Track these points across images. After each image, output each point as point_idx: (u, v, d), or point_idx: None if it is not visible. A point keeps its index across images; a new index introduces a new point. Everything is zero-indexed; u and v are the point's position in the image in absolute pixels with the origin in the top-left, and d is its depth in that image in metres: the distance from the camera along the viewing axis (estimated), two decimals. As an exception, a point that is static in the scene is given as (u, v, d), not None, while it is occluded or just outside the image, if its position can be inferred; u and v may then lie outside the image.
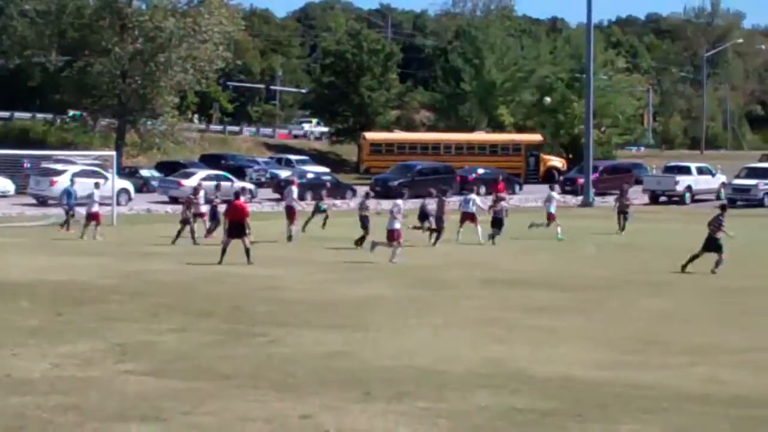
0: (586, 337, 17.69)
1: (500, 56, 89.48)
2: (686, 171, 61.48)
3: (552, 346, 16.81)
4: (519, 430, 11.57)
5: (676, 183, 59.31)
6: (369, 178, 62.69)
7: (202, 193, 35.57)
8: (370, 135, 76.20)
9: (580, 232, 37.87)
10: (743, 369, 15.37)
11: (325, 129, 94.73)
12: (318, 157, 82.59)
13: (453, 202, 40.27)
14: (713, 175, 61.96)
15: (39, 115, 78.58)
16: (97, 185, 37.00)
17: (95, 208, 35.02)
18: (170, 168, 60.13)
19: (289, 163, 71.61)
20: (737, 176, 58.93)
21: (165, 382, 13.60)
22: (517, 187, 63.65)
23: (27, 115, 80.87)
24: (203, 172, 54.80)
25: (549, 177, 73.30)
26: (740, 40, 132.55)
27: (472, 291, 23.53)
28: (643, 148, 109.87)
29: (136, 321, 18.48)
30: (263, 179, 64.32)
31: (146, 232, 37.76)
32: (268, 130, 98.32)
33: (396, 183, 58.21)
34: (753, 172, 58.83)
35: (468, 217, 35.00)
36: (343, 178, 65.48)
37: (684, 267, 27.24)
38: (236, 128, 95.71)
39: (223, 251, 27.60)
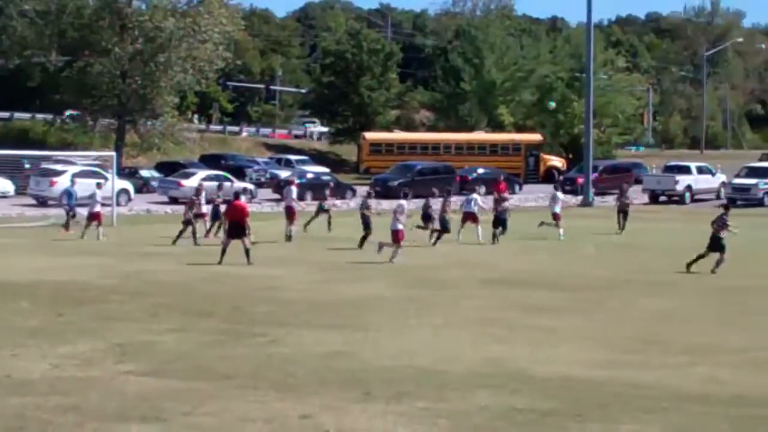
0: (586, 337, 17.70)
1: (500, 56, 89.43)
2: (686, 170, 61.42)
3: (552, 346, 16.82)
4: (519, 430, 11.58)
5: (676, 182, 59.25)
6: (369, 178, 62.59)
7: (203, 194, 35.60)
8: (369, 135, 76.16)
9: (580, 231, 37.86)
10: (743, 369, 15.38)
11: (325, 129, 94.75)
12: (318, 157, 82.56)
13: (453, 202, 40.20)
14: (713, 174, 61.91)
15: (39, 116, 78.56)
16: (99, 185, 37.03)
17: (97, 209, 35.06)
18: (170, 168, 60.10)
19: (288, 164, 71.58)
20: (737, 176, 58.87)
21: (165, 382, 13.61)
22: (516, 187, 63.62)
23: (27, 115, 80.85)
24: (203, 173, 54.79)
25: (549, 177, 73.33)
26: (740, 40, 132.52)
27: (472, 291, 23.54)
28: (642, 148, 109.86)
29: (136, 321, 18.48)
30: (263, 179, 64.29)
31: (146, 232, 37.75)
32: (267, 130, 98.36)
33: (396, 183, 58.12)
34: (753, 172, 58.77)
35: (469, 217, 34.99)
36: (342, 178, 65.42)
37: (689, 266, 27.23)
38: (236, 128, 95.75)
39: (223, 251, 27.60)
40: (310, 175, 58.78)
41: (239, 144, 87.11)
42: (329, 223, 37.85)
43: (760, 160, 72.84)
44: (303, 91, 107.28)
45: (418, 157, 68.70)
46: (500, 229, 35.02)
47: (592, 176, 59.16)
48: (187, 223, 33.59)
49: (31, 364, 14.68)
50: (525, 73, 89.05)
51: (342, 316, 19.52)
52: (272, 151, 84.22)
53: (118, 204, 43.96)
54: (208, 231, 34.72)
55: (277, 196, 52.31)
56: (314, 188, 53.92)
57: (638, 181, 62.00)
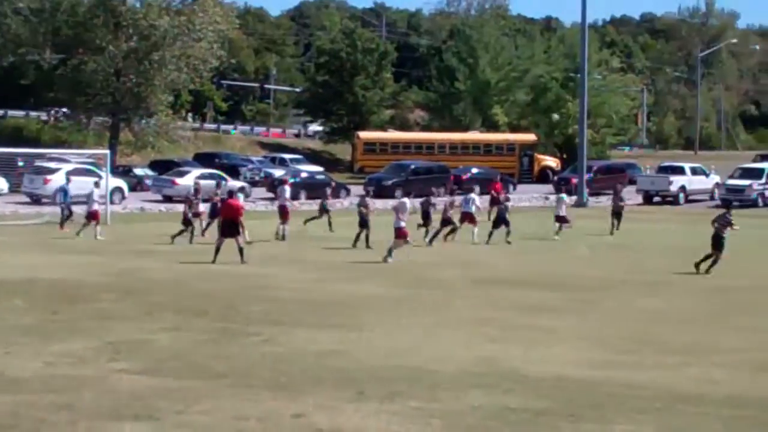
0: (580, 337, 17.70)
1: (494, 56, 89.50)
2: (680, 171, 61.53)
3: (546, 345, 16.82)
4: (512, 430, 11.57)
5: (670, 183, 59.32)
6: (363, 178, 62.59)
7: (200, 193, 35.73)
8: (364, 134, 76.18)
9: (575, 232, 37.86)
10: (737, 369, 15.38)
11: (321, 128, 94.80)
12: (312, 157, 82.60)
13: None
14: (707, 175, 62.00)
15: (33, 114, 78.45)
16: (97, 184, 37.05)
17: (95, 207, 35.05)
18: (164, 166, 60.09)
19: (283, 162, 71.59)
20: (731, 177, 58.97)
21: (158, 380, 13.60)
22: (511, 187, 63.65)
23: (21, 113, 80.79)
24: (197, 171, 54.81)
25: (543, 177, 73.45)
26: (734, 40, 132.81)
27: (466, 291, 23.53)
28: (631, 148, 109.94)
29: (129, 320, 18.46)
30: (257, 178, 64.28)
31: (140, 230, 37.74)
32: (262, 128, 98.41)
33: (390, 182, 58.17)
34: (746, 173, 58.91)
35: (467, 217, 35.01)
36: (336, 177, 65.41)
37: (698, 265, 27.25)
38: (230, 126, 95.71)
39: (217, 250, 27.59)
40: (304, 175, 58.77)
41: (233, 143, 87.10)
42: (330, 223, 37.86)
43: (754, 161, 72.94)
44: (297, 90, 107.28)
45: (413, 157, 68.75)
46: (505, 229, 34.99)
47: (586, 176, 59.18)
48: (187, 223, 33.63)
49: (24, 362, 14.65)
50: (519, 73, 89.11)
51: (336, 315, 19.51)
52: (266, 150, 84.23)
53: (112, 202, 43.90)
54: (205, 228, 34.73)
55: (271, 195, 52.31)
56: (308, 188, 53.91)
57: (632, 182, 62.12)
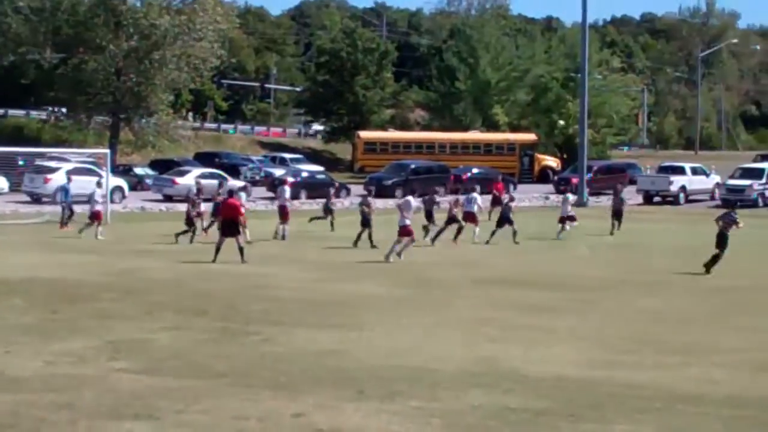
0: (580, 337, 17.70)
1: (495, 55, 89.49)
2: (680, 171, 61.53)
3: (546, 345, 16.81)
4: (512, 430, 11.57)
5: (671, 183, 59.31)
6: (363, 177, 62.58)
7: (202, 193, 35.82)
8: (364, 134, 76.18)
9: (575, 232, 37.86)
10: (737, 369, 15.38)
11: (321, 127, 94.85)
12: (312, 156, 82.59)
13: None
14: (707, 175, 61.99)
15: (33, 113, 78.44)
16: (99, 184, 37.08)
17: (98, 207, 35.08)
18: (164, 166, 60.12)
19: (283, 162, 71.59)
20: (731, 177, 58.97)
21: (158, 380, 13.59)
22: (511, 187, 63.61)
23: (21, 112, 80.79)
24: (197, 170, 54.79)
25: (543, 176, 73.45)
26: (735, 41, 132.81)
27: (467, 290, 23.52)
28: (629, 148, 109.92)
29: (130, 319, 18.46)
30: (257, 177, 64.28)
31: (140, 230, 37.74)
32: (262, 128, 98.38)
33: (390, 182, 58.15)
34: (747, 173, 58.91)
35: (469, 216, 34.98)
36: (337, 176, 65.41)
37: (707, 267, 27.22)
38: (230, 126, 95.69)
39: (217, 250, 27.58)
40: (304, 174, 58.75)
41: (234, 142, 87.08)
42: (332, 223, 37.86)
43: (755, 161, 72.93)
44: (298, 89, 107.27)
45: (413, 157, 68.75)
46: (511, 229, 34.96)
47: (586, 176, 59.18)
48: (191, 223, 33.65)
49: (24, 361, 14.65)
50: (520, 73, 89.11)
51: (336, 315, 19.50)
52: (267, 150, 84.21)
53: (112, 201, 43.93)
54: (207, 228, 34.74)
55: (271, 194, 52.30)
56: (309, 187, 53.90)
57: (632, 182, 62.11)
